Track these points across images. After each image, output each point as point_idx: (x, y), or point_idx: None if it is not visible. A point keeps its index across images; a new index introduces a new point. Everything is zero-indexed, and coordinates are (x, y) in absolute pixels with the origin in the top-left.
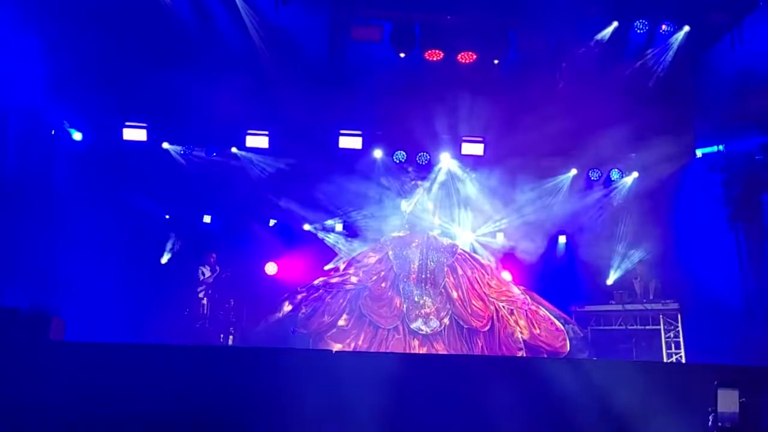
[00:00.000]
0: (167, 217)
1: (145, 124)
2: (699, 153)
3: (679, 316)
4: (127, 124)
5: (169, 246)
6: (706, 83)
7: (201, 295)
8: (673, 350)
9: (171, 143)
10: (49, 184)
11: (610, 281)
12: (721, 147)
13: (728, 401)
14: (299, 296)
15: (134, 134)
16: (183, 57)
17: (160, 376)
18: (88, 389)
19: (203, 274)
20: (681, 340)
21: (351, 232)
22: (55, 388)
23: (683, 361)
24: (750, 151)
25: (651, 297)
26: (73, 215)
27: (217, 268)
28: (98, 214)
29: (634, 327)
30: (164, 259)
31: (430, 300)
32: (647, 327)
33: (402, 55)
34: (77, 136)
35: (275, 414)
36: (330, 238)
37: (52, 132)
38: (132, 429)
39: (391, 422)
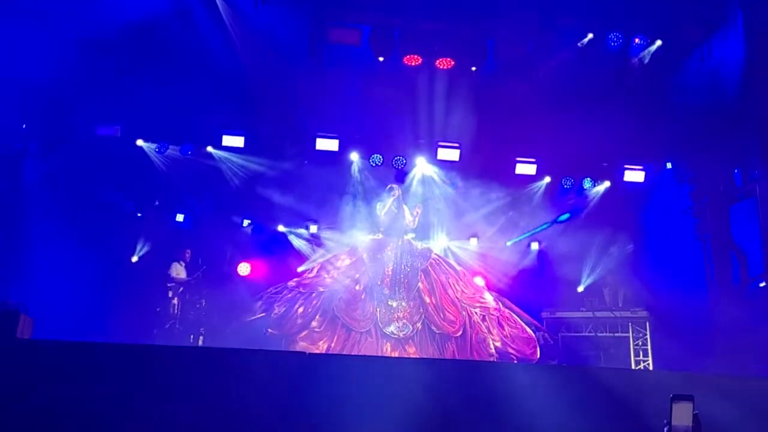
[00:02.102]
0: (139, 215)
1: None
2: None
3: (647, 324)
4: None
5: (140, 245)
6: (677, 95)
7: (171, 294)
8: (641, 357)
9: (146, 141)
10: (19, 180)
11: (581, 288)
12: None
13: (682, 414)
14: (272, 297)
15: (108, 130)
16: (161, 54)
17: (128, 376)
18: (56, 389)
19: (177, 271)
20: (649, 347)
21: (326, 234)
22: (22, 388)
23: (650, 368)
24: (718, 164)
25: (620, 305)
26: (43, 211)
27: (201, 265)
28: (69, 211)
29: (604, 334)
30: (135, 258)
31: (403, 304)
32: (616, 334)
33: (381, 59)
34: None
35: (246, 416)
36: (304, 240)
37: (23, 126)
38: (100, 429)
39: (365, 424)
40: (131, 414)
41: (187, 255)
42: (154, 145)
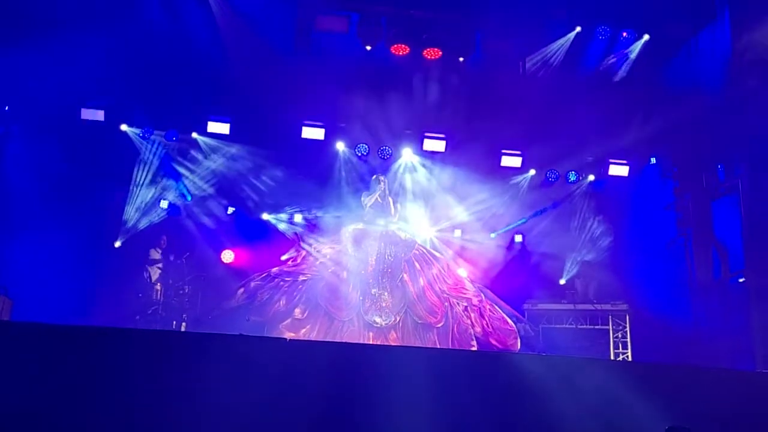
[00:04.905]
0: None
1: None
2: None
3: (627, 317)
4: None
5: (123, 230)
6: (663, 91)
7: (153, 279)
8: (621, 350)
9: (130, 126)
10: (0, 162)
11: (563, 281)
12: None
13: None
14: (255, 284)
15: (92, 115)
16: (146, 40)
17: (109, 360)
18: (35, 372)
19: (153, 257)
20: (628, 340)
21: (310, 223)
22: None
23: (630, 360)
24: (701, 159)
25: (591, 297)
26: (25, 194)
27: (184, 251)
28: (51, 194)
29: (584, 326)
30: (118, 243)
31: (386, 294)
32: (596, 326)
33: (368, 47)
34: None
35: (225, 401)
36: (288, 229)
37: (6, 108)
38: (79, 414)
39: (345, 411)
40: (112, 399)
41: (163, 242)
42: (138, 130)
